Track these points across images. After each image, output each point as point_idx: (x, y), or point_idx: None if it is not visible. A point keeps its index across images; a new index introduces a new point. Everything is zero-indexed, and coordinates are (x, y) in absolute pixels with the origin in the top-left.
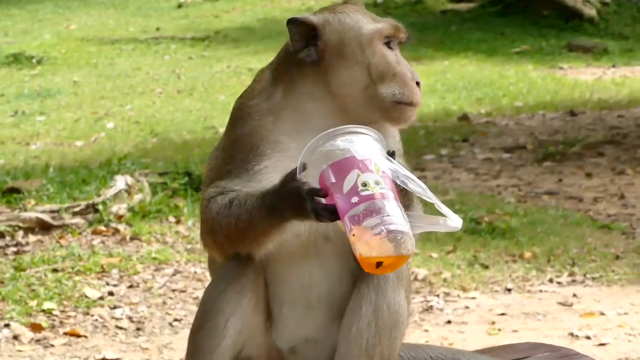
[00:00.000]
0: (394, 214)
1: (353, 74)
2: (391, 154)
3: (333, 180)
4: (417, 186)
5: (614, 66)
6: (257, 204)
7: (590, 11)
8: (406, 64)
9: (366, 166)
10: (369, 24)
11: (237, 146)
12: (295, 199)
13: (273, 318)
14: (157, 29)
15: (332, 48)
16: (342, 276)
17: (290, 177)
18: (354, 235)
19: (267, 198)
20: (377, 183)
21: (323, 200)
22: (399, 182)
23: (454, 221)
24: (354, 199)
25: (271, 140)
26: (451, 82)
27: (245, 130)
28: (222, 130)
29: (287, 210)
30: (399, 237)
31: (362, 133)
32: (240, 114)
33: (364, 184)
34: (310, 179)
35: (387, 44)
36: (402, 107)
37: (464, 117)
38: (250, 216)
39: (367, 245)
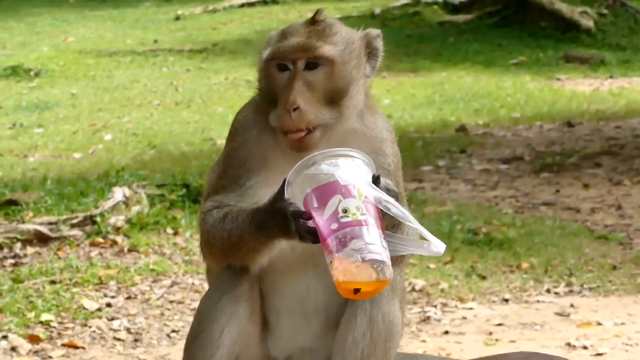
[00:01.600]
0: (373, 242)
1: (261, 98)
2: (376, 178)
3: (315, 205)
4: (399, 211)
5: (611, 77)
6: (248, 220)
7: (587, 22)
8: (292, 89)
9: (349, 191)
10: (267, 47)
11: (229, 161)
12: (282, 219)
13: (269, 328)
14: (155, 41)
15: None
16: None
17: (278, 196)
18: (331, 262)
19: (256, 215)
20: (358, 209)
21: (310, 223)
22: (381, 207)
23: (437, 246)
24: (334, 226)
25: (258, 155)
26: (449, 94)
27: (234, 146)
28: (220, 142)
29: (274, 228)
30: (375, 266)
31: (350, 156)
32: (232, 129)
33: (345, 210)
34: (297, 200)
35: (281, 67)
36: (284, 136)
37: (462, 128)
38: (241, 232)
39: (344, 272)
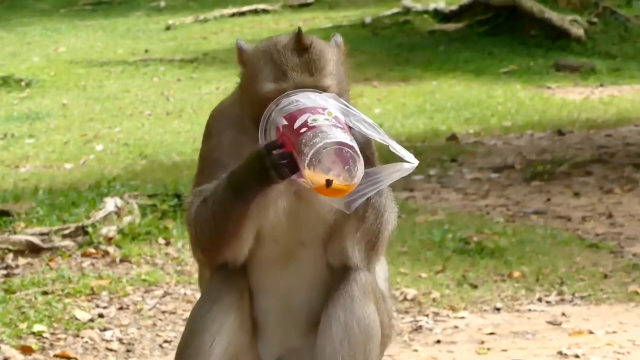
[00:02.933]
0: (341, 135)
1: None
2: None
3: (285, 122)
4: (370, 129)
5: (601, 85)
6: (225, 185)
7: (577, 31)
8: None
9: (318, 111)
10: (259, 78)
11: (205, 162)
12: (257, 163)
13: (258, 329)
14: (146, 51)
15: None
16: (317, 282)
17: (252, 151)
18: (303, 169)
19: (232, 176)
20: (327, 120)
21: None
22: (352, 125)
23: (411, 161)
24: (303, 130)
25: (234, 154)
26: (439, 102)
27: (209, 147)
28: None
29: (251, 180)
30: (344, 151)
31: (318, 92)
32: (206, 130)
33: (314, 120)
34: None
35: None
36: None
37: (453, 137)
38: (222, 202)
39: (314, 163)
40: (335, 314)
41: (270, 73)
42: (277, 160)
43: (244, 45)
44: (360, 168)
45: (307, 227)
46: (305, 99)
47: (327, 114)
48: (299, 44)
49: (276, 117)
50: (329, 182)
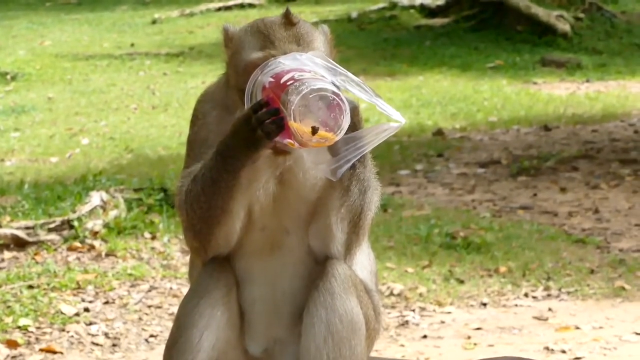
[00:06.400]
0: (329, 85)
1: (232, 91)
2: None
3: (271, 79)
4: (357, 87)
5: (587, 81)
6: (213, 155)
7: (563, 26)
8: None
9: (304, 70)
10: (246, 47)
11: (192, 145)
12: (243, 125)
13: (245, 320)
14: (132, 45)
15: None
16: (300, 272)
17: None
18: (292, 112)
19: (220, 145)
20: (313, 77)
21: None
22: (339, 85)
23: (398, 118)
24: (289, 82)
25: (218, 131)
26: (425, 97)
27: (195, 129)
28: None
29: (238, 145)
30: (331, 98)
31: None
32: (192, 116)
33: (301, 75)
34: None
35: None
36: None
37: (439, 132)
38: (211, 173)
39: (300, 110)
40: (316, 312)
41: (257, 42)
42: (263, 117)
43: (230, 27)
44: (346, 118)
45: (291, 213)
46: (292, 60)
47: (314, 72)
48: (287, 19)
49: (262, 78)
50: (314, 130)
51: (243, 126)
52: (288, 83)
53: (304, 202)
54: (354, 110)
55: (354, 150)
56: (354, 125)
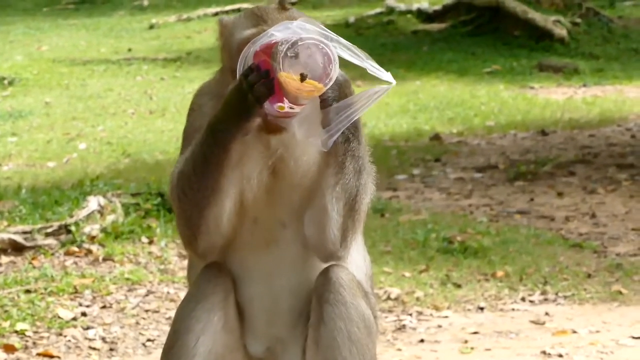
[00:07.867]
0: (319, 37)
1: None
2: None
3: (262, 44)
4: (348, 52)
5: (584, 86)
6: (205, 131)
7: (560, 31)
8: None
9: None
10: (240, 29)
11: (187, 134)
12: (234, 93)
13: (245, 319)
14: (129, 50)
15: None
16: (298, 267)
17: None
18: (281, 60)
19: (211, 119)
20: (302, 39)
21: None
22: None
23: (388, 79)
24: (280, 42)
25: None
26: (423, 102)
27: (191, 120)
28: None
29: (229, 115)
30: (320, 47)
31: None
32: (189, 108)
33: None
34: None
35: None
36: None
37: (436, 137)
38: (202, 149)
39: (289, 57)
40: (335, 325)
41: (250, 22)
42: (254, 80)
43: (224, 18)
44: (335, 68)
45: (285, 204)
46: (284, 29)
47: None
48: (281, 4)
49: (254, 48)
50: (303, 76)
51: (235, 94)
52: (279, 42)
53: (298, 191)
54: (345, 82)
55: (345, 118)
56: (346, 97)
